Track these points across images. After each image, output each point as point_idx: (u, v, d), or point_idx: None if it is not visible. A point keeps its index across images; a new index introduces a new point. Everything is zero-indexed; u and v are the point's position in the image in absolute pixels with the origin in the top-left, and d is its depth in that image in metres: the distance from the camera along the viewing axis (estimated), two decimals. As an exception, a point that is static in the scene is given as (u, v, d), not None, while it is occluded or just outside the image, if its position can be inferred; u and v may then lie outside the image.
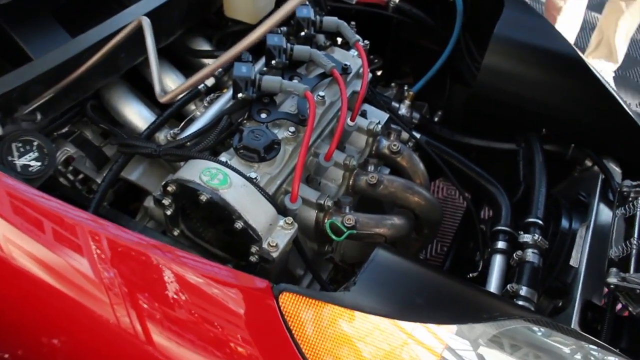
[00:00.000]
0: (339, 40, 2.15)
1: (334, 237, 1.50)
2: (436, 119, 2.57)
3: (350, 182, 1.80)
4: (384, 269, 1.39)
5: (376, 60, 2.58)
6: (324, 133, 1.82)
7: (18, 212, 1.31)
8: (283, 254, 1.47)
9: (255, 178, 1.50)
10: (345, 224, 1.62)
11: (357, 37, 1.92)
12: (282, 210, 1.51)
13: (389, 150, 1.91)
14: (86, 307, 1.22)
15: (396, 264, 1.45)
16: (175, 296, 1.20)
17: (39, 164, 1.51)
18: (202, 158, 1.48)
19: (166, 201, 1.47)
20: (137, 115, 1.75)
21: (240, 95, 1.62)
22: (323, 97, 1.76)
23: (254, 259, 1.44)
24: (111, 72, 1.69)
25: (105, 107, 1.79)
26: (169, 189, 1.44)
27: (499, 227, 1.94)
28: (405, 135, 2.14)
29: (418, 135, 2.24)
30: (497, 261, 1.80)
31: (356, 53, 1.99)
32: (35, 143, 1.52)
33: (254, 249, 1.42)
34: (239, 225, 1.38)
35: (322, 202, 1.63)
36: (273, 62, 1.74)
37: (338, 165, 1.79)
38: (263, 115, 1.65)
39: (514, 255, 1.75)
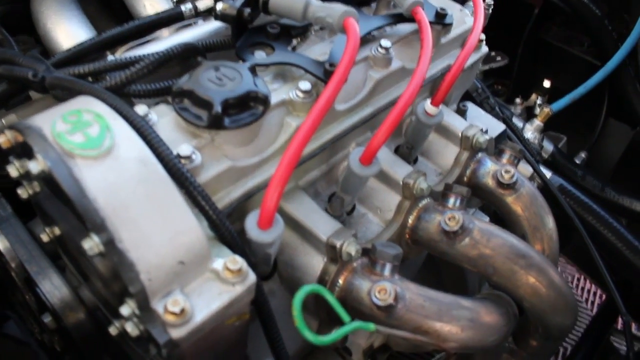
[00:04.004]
0: None
1: (305, 333, 0.62)
2: (577, 162, 1.65)
3: (410, 221, 0.95)
4: None
5: (499, 58, 1.72)
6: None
7: None
8: (207, 334, 0.65)
9: (189, 157, 0.69)
10: (375, 299, 0.77)
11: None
12: (233, 240, 0.68)
13: (496, 181, 1.04)
14: None
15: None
16: None
17: None
18: (93, 94, 0.70)
19: (14, 169, 0.70)
20: (66, 32, 1.02)
21: (220, 5, 0.83)
22: (387, 50, 0.93)
23: (135, 332, 0.63)
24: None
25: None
26: (3, 140, 0.67)
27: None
28: (526, 169, 1.25)
29: (548, 175, 1.35)
30: None
31: (469, 11, 1.15)
32: None
33: (125, 309, 0.61)
34: (91, 245, 0.58)
35: (338, 243, 0.80)
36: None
37: (390, 183, 0.95)
38: (259, 54, 0.85)
39: None
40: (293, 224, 0.85)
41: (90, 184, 0.58)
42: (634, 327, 2.06)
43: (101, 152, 0.60)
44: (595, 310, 2.42)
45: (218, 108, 0.70)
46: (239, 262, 0.64)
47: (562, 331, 0.94)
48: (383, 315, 0.79)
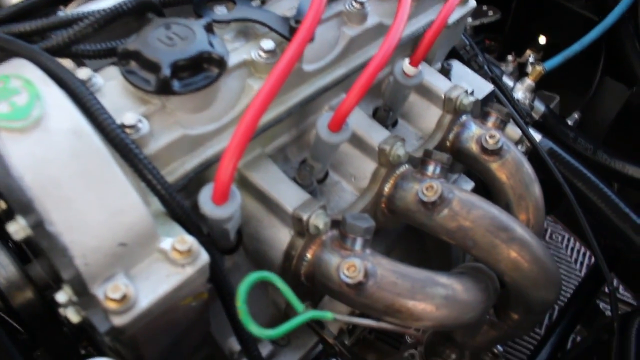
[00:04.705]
0: None
1: (250, 327, 0.57)
2: (570, 122, 1.59)
3: (386, 190, 0.89)
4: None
5: (490, 13, 1.63)
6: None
7: None
8: (158, 316, 0.60)
9: (134, 126, 0.63)
10: (343, 276, 0.72)
11: None
12: (185, 216, 0.62)
13: (480, 146, 0.98)
14: None
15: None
16: None
17: None
18: (27, 56, 0.62)
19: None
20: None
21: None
22: (362, 5, 0.86)
23: (76, 318, 0.59)
24: None
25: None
26: None
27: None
28: (515, 131, 1.19)
29: (538, 138, 1.29)
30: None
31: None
32: None
33: (62, 295, 0.56)
34: (16, 229, 0.52)
35: (304, 215, 0.74)
36: None
37: (366, 149, 0.89)
38: (220, 10, 0.78)
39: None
40: (258, 195, 0.79)
41: (16, 160, 0.52)
42: (621, 289, 2.05)
43: (28, 124, 0.54)
44: (584, 271, 2.39)
45: (166, 71, 0.63)
46: (188, 241, 0.59)
47: (544, 306, 0.90)
48: (352, 292, 0.74)
